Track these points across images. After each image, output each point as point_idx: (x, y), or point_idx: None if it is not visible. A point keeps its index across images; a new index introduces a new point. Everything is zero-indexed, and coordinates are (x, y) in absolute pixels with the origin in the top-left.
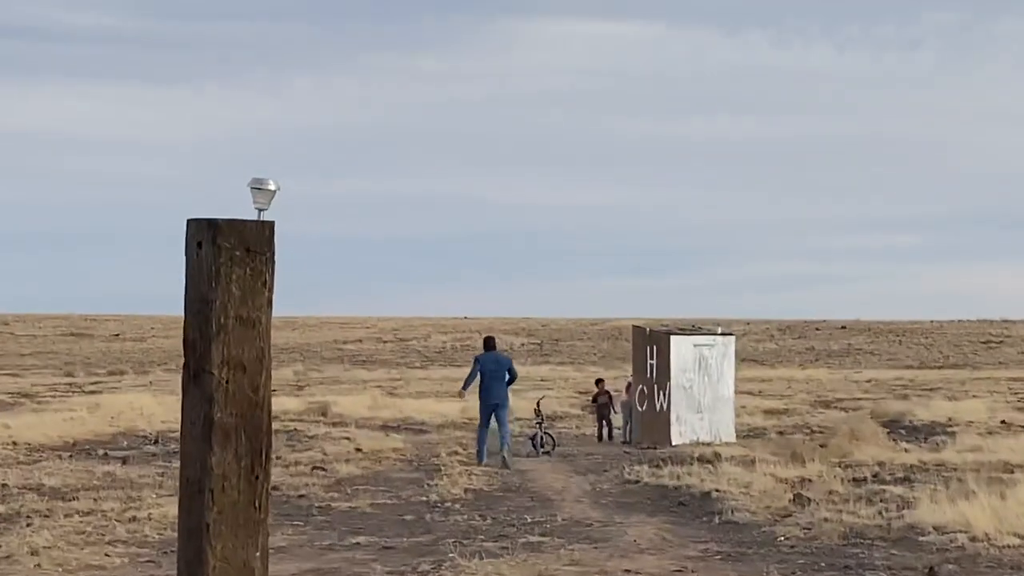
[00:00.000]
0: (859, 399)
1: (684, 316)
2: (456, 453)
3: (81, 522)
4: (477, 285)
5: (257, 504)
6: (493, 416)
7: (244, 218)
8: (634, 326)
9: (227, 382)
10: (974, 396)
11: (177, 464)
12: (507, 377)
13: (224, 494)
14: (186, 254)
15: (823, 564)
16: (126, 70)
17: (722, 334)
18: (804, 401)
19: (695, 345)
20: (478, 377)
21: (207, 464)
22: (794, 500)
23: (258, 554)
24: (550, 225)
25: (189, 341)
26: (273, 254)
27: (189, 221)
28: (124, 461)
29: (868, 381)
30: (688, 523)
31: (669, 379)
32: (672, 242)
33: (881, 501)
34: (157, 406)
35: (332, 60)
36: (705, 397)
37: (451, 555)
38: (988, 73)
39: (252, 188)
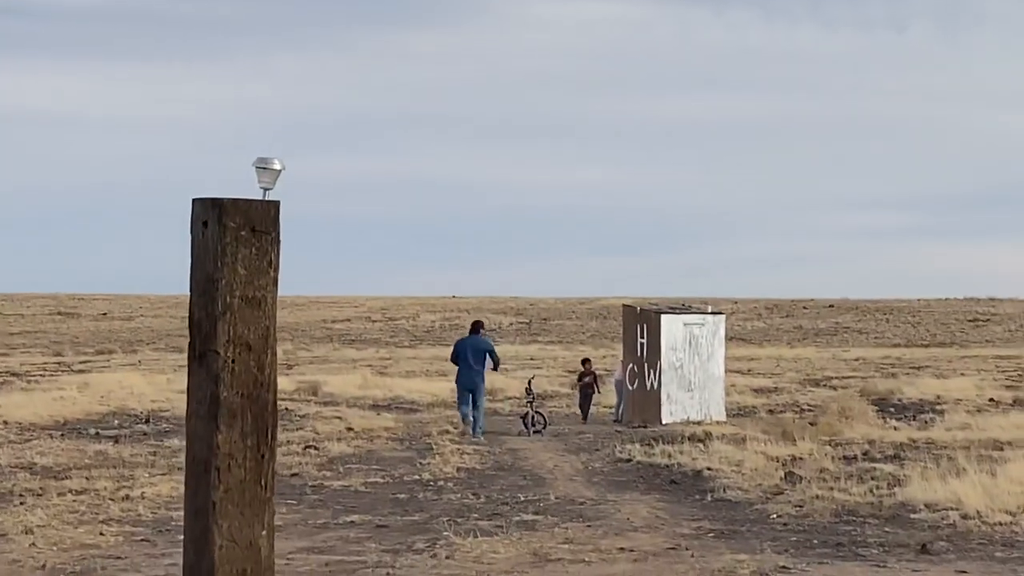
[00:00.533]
0: (847, 377)
1: (672, 295)
2: (447, 432)
3: (74, 501)
4: (466, 264)
5: (263, 483)
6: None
7: (249, 197)
8: (624, 305)
9: (233, 361)
10: (962, 374)
11: (169, 443)
12: (486, 362)
13: (230, 473)
14: (192, 233)
15: (816, 541)
16: (110, 49)
17: (712, 313)
18: (793, 380)
19: (685, 324)
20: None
21: (213, 443)
22: (785, 478)
23: (264, 532)
24: (538, 204)
25: (195, 320)
26: (279, 233)
27: (194, 200)
28: (116, 440)
29: (856, 359)
30: (681, 501)
31: (659, 358)
32: (660, 222)
33: (872, 479)
34: (147, 385)
35: (319, 39)
36: (695, 376)
37: (445, 533)
38: (976, 52)
39: (257, 168)
